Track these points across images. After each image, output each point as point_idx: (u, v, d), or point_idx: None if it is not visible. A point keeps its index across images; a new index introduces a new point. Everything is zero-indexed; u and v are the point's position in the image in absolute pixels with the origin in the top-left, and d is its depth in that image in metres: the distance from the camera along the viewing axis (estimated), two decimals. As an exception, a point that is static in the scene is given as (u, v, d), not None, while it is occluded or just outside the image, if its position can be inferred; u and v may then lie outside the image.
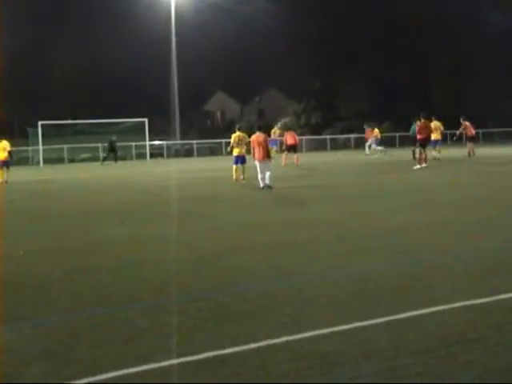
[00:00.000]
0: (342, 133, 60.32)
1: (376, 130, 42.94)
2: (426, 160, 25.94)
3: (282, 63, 70.15)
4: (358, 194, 16.90)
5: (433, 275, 7.21)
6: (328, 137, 57.73)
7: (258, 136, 19.94)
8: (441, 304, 5.95)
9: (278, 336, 5.27)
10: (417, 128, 27.77)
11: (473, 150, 34.73)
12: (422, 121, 27.49)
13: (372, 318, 5.63)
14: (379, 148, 41.26)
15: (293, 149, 33.29)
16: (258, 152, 19.57)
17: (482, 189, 16.81)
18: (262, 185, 19.14)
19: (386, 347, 4.93)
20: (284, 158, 32.85)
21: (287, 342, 5.17)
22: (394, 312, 5.76)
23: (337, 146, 56.93)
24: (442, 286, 6.71)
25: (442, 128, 32.57)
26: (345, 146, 56.58)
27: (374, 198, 15.64)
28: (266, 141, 19.87)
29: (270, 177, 19.22)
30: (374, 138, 42.04)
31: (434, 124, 31.32)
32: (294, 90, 68.65)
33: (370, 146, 42.36)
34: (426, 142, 26.89)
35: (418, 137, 26.90)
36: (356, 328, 5.42)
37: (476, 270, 7.38)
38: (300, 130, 62.20)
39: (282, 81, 73.53)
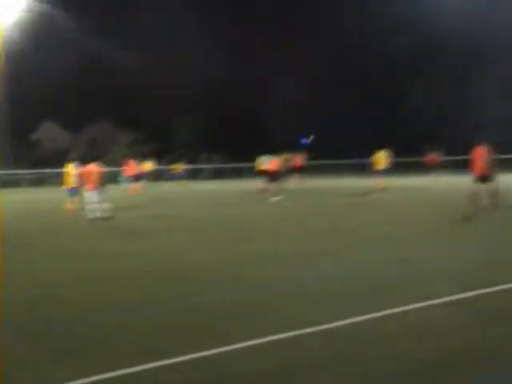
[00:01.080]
0: (171, 163, 60.64)
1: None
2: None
3: (114, 94, 69.42)
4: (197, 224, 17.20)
5: (277, 302, 7.55)
6: (159, 168, 57.79)
7: (90, 167, 20.02)
8: (290, 330, 6.27)
9: (135, 364, 5.46)
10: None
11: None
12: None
13: (233, 342, 5.96)
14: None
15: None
16: (89, 182, 19.63)
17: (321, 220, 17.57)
18: (90, 215, 19.26)
19: (236, 373, 5.26)
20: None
21: (148, 369, 5.36)
22: (241, 339, 6.06)
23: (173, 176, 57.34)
24: (290, 311, 7.04)
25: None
26: (170, 177, 56.74)
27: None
28: (98, 171, 19.92)
29: (104, 208, 19.41)
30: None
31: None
32: (126, 120, 68.19)
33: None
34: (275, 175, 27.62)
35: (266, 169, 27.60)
36: (218, 353, 5.71)
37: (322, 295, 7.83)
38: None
39: (114, 111, 72.71)
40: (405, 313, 6.91)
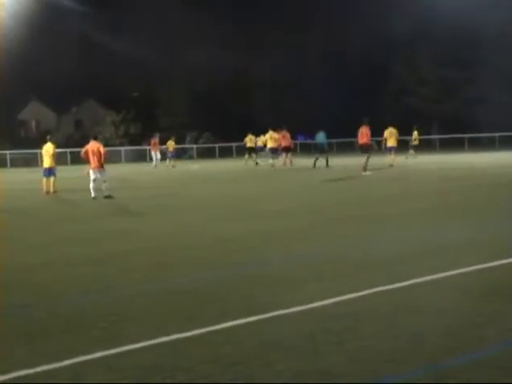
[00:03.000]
0: (160, 144, 60.17)
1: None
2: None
3: (101, 73, 68.82)
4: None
5: (253, 284, 7.31)
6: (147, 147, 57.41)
7: (92, 145, 19.61)
8: (257, 314, 6.01)
9: (94, 351, 5.14)
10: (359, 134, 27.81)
11: (290, 161, 36.06)
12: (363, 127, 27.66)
13: (189, 330, 5.61)
14: None
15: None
16: (92, 161, 19.26)
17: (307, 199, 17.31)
18: (93, 194, 18.84)
19: (202, 359, 4.93)
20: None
21: (103, 356, 5.05)
22: (209, 323, 5.76)
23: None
24: (260, 295, 6.80)
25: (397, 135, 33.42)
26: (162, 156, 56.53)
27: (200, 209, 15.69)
28: (100, 150, 19.51)
29: (107, 187, 19.12)
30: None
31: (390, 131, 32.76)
32: (112, 100, 67.61)
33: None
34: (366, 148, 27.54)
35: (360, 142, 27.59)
36: (173, 341, 5.39)
37: (294, 278, 7.52)
38: (119, 140, 61.51)
39: (100, 91, 72.10)
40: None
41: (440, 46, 62.66)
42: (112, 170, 34.99)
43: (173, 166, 41.28)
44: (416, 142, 41.67)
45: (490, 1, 56.55)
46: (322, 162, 32.11)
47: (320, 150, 33.81)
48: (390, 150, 32.70)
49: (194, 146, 62.37)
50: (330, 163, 32.05)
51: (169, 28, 69.24)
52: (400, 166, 30.48)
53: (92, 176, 19.27)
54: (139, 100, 68.43)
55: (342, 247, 9.46)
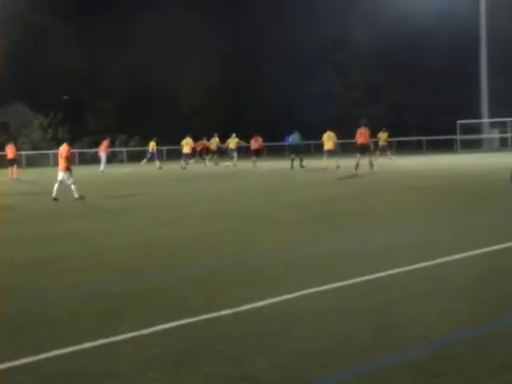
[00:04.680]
0: (90, 147, 59.37)
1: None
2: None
3: (27, 76, 67.24)
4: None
5: (183, 287, 7.27)
6: (76, 151, 56.44)
7: (61, 147, 19.99)
8: (187, 317, 5.97)
9: (21, 357, 5.04)
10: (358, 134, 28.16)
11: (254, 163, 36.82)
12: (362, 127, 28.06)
13: (117, 334, 5.56)
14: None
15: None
16: (60, 163, 19.67)
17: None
18: (54, 194, 18.97)
19: (133, 363, 4.90)
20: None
21: (30, 363, 4.96)
22: (138, 328, 5.70)
23: (85, 160, 56.29)
24: (193, 297, 6.75)
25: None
26: (93, 160, 55.54)
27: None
28: (65, 152, 19.54)
29: (75, 189, 19.15)
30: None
31: (328, 135, 33.10)
32: (41, 103, 66.15)
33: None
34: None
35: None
36: (101, 345, 5.33)
37: (225, 281, 7.52)
38: (47, 143, 60.26)
39: (29, 94, 70.41)
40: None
41: (367, 50, 63.46)
42: (41, 174, 34.53)
43: (159, 168, 40.20)
44: (382, 143, 41.97)
45: (420, 5, 57.79)
46: (297, 162, 33.20)
47: (295, 151, 34.83)
48: (326, 153, 33.11)
49: (124, 149, 61.65)
50: (304, 164, 33.24)
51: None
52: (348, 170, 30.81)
53: (59, 177, 19.34)
54: (68, 103, 67.19)
55: (274, 250, 9.51)
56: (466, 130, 53.14)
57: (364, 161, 27.70)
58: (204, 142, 43.83)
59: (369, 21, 62.46)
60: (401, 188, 19.80)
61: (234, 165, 39.37)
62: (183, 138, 42.40)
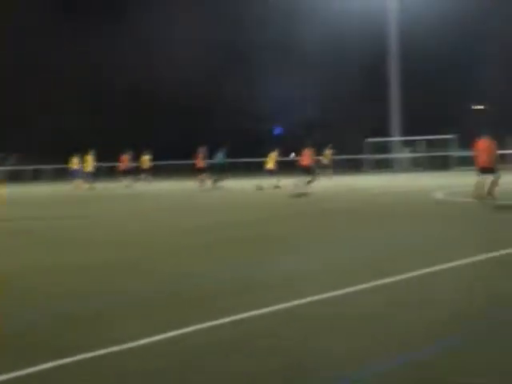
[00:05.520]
0: None
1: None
2: None
3: None
4: None
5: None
6: None
7: None
8: (66, 356, 5.16)
9: None
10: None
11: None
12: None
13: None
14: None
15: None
16: None
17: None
18: None
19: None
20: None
21: None
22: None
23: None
24: (68, 335, 5.94)
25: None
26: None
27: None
28: None
29: None
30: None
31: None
32: None
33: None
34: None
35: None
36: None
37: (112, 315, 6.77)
38: None
39: None
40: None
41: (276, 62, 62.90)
42: None
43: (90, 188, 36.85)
44: (326, 161, 40.89)
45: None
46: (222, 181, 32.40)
47: (218, 170, 33.94)
48: (267, 172, 32.46)
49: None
50: (222, 183, 32.53)
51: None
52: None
53: None
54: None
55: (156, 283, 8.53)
56: (377, 148, 53.23)
57: (300, 182, 26.69)
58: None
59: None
60: (312, 212, 19.21)
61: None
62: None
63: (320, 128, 61.69)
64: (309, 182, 26.08)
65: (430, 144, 53.10)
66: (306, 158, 27.04)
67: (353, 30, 57.07)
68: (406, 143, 54.34)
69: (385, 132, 53.83)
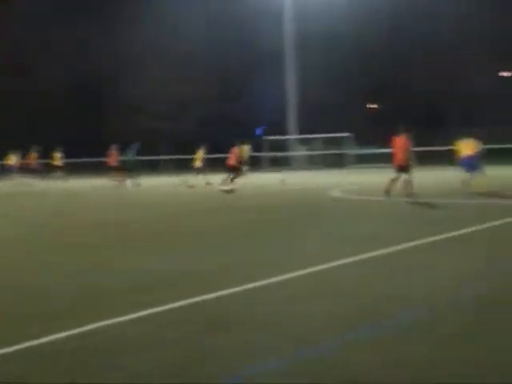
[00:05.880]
0: None
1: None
2: None
3: None
4: None
5: None
6: None
7: None
8: None
9: None
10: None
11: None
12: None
13: None
14: None
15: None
16: None
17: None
18: None
19: None
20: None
21: None
22: None
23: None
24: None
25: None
26: None
27: None
28: None
29: None
30: None
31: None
32: None
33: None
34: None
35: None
36: None
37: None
38: None
39: None
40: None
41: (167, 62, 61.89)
42: None
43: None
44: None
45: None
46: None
47: (129, 167, 32.99)
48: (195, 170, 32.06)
49: None
50: (138, 182, 31.76)
51: None
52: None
53: None
54: None
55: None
56: (274, 147, 53.16)
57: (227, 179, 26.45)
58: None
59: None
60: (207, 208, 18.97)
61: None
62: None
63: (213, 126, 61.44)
64: (232, 180, 26.07)
65: (327, 142, 53.58)
66: (233, 156, 27.04)
67: (249, 28, 57.12)
68: (303, 141, 54.61)
69: (282, 130, 53.97)
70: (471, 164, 20.05)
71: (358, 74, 60.48)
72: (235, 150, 27.11)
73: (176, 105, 64.44)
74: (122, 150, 34.33)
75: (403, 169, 19.14)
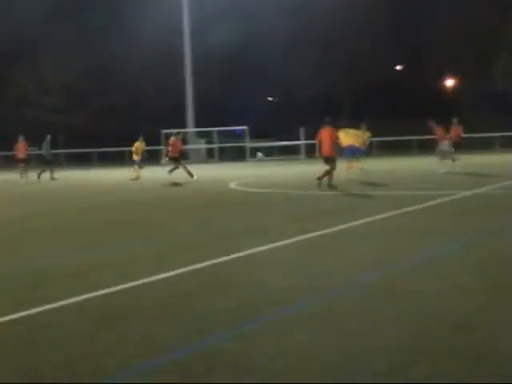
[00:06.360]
0: None
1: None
2: None
3: None
4: None
5: None
6: None
7: None
8: None
9: None
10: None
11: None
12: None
13: None
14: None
15: None
16: None
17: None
18: None
19: None
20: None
21: None
22: None
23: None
24: None
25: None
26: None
27: None
28: None
29: None
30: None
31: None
32: None
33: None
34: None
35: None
36: None
37: None
38: None
39: None
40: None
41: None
42: None
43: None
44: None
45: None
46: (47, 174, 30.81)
47: (45, 161, 32.08)
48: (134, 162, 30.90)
49: None
50: (55, 175, 30.90)
51: None
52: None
53: None
54: None
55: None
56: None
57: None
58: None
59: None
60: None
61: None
62: None
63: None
64: (170, 171, 26.36)
65: (224, 135, 53.71)
66: (173, 148, 26.97)
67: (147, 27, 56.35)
68: (201, 134, 54.42)
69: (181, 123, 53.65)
70: (352, 151, 21.65)
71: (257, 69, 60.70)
72: (174, 142, 27.11)
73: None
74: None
75: (329, 160, 19.44)
